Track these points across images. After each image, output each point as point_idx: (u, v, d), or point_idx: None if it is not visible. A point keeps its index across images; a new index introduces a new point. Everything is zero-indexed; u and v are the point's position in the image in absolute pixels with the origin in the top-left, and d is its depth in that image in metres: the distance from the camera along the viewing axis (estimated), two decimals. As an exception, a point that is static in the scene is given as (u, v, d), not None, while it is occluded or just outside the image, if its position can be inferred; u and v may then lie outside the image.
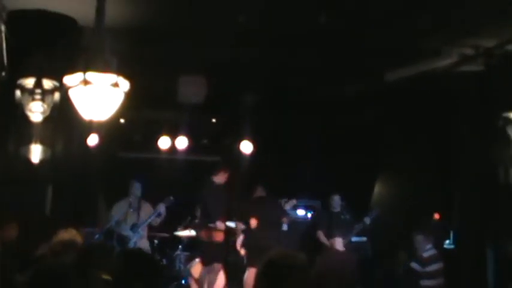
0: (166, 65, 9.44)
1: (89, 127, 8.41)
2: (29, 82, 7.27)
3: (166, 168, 14.00)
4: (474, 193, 9.42)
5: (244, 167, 13.72)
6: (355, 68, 9.80)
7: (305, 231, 12.38)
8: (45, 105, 7.30)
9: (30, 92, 7.26)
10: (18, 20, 7.32)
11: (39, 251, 6.25)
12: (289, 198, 11.92)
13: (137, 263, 3.93)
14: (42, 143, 7.41)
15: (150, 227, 11.54)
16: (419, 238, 9.29)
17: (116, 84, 5.96)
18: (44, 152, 7.43)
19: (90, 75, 5.87)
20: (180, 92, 10.47)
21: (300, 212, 13.15)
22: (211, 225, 10.99)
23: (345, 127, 12.73)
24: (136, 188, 11.28)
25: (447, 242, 10.83)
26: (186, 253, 12.14)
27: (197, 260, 11.18)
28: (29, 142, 7.36)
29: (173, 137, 13.65)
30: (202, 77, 10.32)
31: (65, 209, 9.25)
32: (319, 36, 8.11)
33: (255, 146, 13.59)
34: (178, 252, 12.19)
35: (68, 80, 5.97)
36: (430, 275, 8.99)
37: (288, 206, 12.14)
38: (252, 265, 10.33)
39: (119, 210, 11.12)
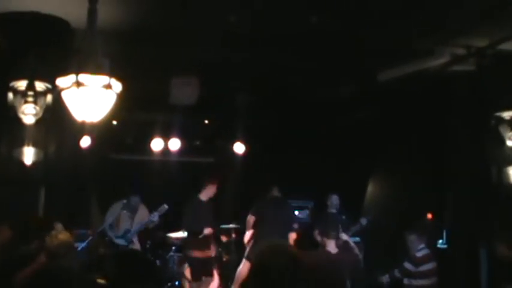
0: (158, 66, 9.43)
1: (82, 129, 8.40)
2: (22, 84, 7.25)
3: (159, 170, 14.00)
4: (467, 193, 9.43)
5: (237, 168, 13.76)
6: (348, 69, 9.81)
7: (300, 232, 12.39)
8: (38, 108, 7.28)
9: (23, 94, 7.24)
10: (10, 22, 7.31)
11: (33, 247, 6.22)
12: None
13: (131, 264, 3.91)
14: (34, 145, 7.39)
15: (143, 230, 11.55)
16: (412, 238, 9.31)
17: (108, 86, 5.97)
18: (37, 154, 7.41)
19: (83, 77, 5.87)
20: (172, 93, 10.46)
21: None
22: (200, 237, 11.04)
23: (338, 128, 12.76)
24: (135, 201, 11.29)
25: (440, 241, 10.85)
26: (179, 254, 12.12)
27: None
28: (22, 144, 7.34)
29: (166, 139, 13.65)
30: (194, 78, 10.31)
31: (58, 211, 9.22)
32: (312, 36, 8.11)
33: (248, 147, 13.61)
34: (171, 253, 12.17)
35: (60, 82, 5.97)
36: (424, 275, 9.01)
37: None
38: (249, 260, 10.41)
39: (114, 213, 11.12)
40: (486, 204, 8.88)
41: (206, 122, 14.09)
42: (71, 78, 5.89)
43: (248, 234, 11.38)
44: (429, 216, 11.21)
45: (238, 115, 12.41)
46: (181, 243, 11.71)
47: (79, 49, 6.50)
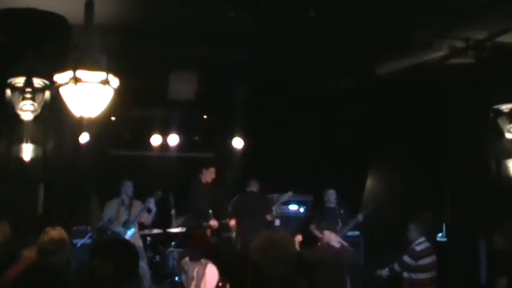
0: (156, 61, 9.41)
1: (80, 125, 8.39)
2: (19, 81, 7.24)
3: (158, 165, 14.00)
4: (466, 186, 9.44)
5: (236, 162, 13.78)
6: (346, 63, 9.80)
7: (298, 226, 12.41)
8: (36, 104, 7.27)
9: (21, 91, 7.23)
10: (7, 18, 7.29)
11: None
12: (282, 192, 12.12)
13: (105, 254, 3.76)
14: (33, 141, 7.37)
15: (143, 225, 11.54)
16: (412, 227, 9.21)
17: (106, 82, 5.97)
18: (35, 150, 7.39)
19: (80, 73, 5.87)
20: (170, 88, 10.47)
21: (293, 207, 13.16)
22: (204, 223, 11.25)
23: (336, 122, 12.75)
24: (128, 187, 11.25)
25: (440, 235, 10.85)
26: (179, 250, 12.12)
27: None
28: (20, 141, 7.32)
29: (164, 134, 13.65)
30: (192, 74, 10.30)
31: (57, 207, 9.22)
32: (310, 31, 8.09)
33: (246, 142, 13.62)
34: (171, 248, 12.17)
35: (58, 78, 5.97)
36: (423, 269, 8.98)
37: (283, 199, 12.31)
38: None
39: (110, 208, 11.10)
40: (485, 197, 8.87)
41: (205, 117, 14.09)
42: (68, 74, 5.90)
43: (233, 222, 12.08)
44: (428, 209, 11.21)
45: (237, 110, 12.41)
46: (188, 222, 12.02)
47: (76, 45, 6.50)
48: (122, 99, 6.36)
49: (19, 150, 7.33)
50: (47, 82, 7.27)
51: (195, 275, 10.61)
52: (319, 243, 10.81)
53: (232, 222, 12.13)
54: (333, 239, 9.90)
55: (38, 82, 7.27)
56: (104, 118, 6.63)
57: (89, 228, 11.28)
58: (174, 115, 13.15)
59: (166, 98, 10.76)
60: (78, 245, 10.40)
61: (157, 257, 12.29)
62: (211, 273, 10.33)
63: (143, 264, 10.60)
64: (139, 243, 11.06)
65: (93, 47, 6.19)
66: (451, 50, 8.66)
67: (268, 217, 11.84)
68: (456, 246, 9.86)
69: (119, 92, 6.18)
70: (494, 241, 7.38)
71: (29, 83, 7.22)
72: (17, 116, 7.30)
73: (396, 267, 9.16)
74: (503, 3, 7.01)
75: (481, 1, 7.04)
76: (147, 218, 11.31)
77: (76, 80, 5.85)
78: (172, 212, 12.24)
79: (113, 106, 6.27)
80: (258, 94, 11.66)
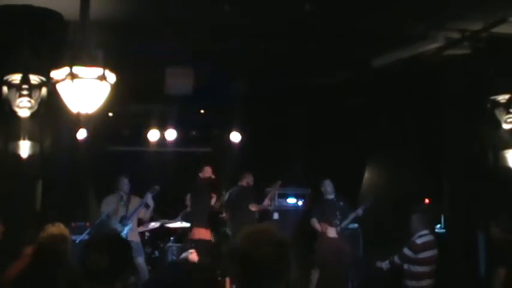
0: (153, 57, 9.41)
1: (77, 121, 8.37)
2: (16, 78, 7.24)
3: (156, 160, 14.00)
4: (464, 177, 9.43)
5: (234, 156, 13.78)
6: (343, 55, 9.80)
7: (297, 219, 12.42)
8: (33, 101, 7.27)
9: (17, 88, 7.23)
10: (3, 15, 7.28)
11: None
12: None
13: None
14: (30, 138, 7.36)
15: (141, 221, 11.54)
16: (414, 218, 9.14)
17: (102, 78, 5.96)
18: (33, 147, 7.39)
19: (77, 69, 5.87)
20: (167, 83, 10.46)
21: (291, 201, 13.16)
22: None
23: (333, 114, 12.74)
24: (125, 183, 11.24)
25: (438, 226, 10.85)
26: (178, 245, 12.13)
27: (190, 250, 11.19)
28: (18, 138, 7.31)
29: (162, 130, 13.65)
30: (189, 68, 10.30)
31: (55, 204, 9.20)
32: (306, 24, 8.09)
33: (244, 136, 13.63)
34: (170, 244, 12.17)
35: (54, 74, 5.97)
36: (423, 262, 8.94)
37: (273, 190, 12.36)
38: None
39: (109, 204, 11.09)
40: (483, 188, 8.87)
41: (202, 111, 14.08)
42: (65, 70, 5.89)
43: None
44: (427, 201, 11.22)
45: (234, 104, 12.41)
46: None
47: (73, 41, 6.49)
48: (119, 95, 6.35)
49: (16, 147, 7.33)
50: (43, 79, 7.27)
51: None
52: (320, 237, 10.87)
53: (225, 216, 12.24)
54: (330, 230, 9.93)
55: (34, 79, 7.27)
56: (101, 114, 6.62)
57: (88, 224, 11.26)
58: (171, 110, 13.15)
59: (163, 93, 10.75)
60: (77, 241, 10.38)
61: (156, 252, 12.29)
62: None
63: (141, 260, 10.61)
64: (137, 238, 11.04)
65: (89, 43, 6.19)
66: (447, 41, 8.65)
67: (252, 208, 11.88)
68: (455, 238, 9.86)
69: (115, 87, 6.17)
70: (492, 232, 7.38)
71: (25, 80, 7.22)
72: (14, 112, 7.31)
73: (396, 259, 9.13)
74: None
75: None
76: (145, 213, 11.30)
77: (73, 76, 5.84)
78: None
79: (110, 102, 6.26)
80: (255, 87, 11.65)
